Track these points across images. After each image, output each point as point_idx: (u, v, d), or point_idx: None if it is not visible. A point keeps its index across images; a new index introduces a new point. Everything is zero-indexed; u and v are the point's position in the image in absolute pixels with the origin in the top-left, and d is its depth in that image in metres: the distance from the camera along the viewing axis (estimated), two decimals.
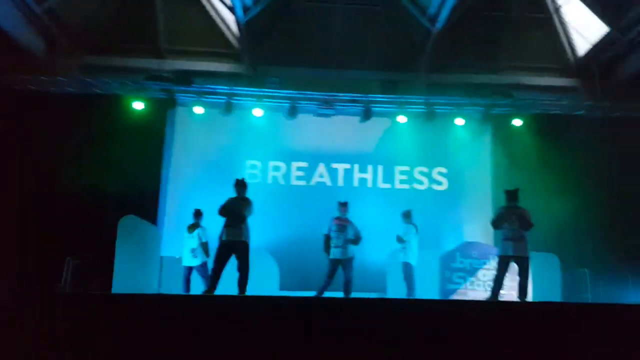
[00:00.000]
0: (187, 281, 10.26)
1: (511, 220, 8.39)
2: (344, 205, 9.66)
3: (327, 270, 9.38)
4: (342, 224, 9.45)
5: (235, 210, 8.28)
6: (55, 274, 10.43)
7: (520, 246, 8.29)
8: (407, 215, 10.25)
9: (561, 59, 14.11)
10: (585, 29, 13.19)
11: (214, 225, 8.69)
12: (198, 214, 10.47)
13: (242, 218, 8.23)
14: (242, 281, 8.07)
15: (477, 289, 11.30)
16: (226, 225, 8.28)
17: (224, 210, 8.32)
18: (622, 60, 13.07)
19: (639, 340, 5.12)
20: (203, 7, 13.73)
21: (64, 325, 4.94)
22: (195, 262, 10.18)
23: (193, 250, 10.19)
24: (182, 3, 13.68)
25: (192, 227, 10.35)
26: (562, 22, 13.70)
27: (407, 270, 9.91)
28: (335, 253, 9.31)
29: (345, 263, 9.29)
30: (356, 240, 9.45)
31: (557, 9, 13.51)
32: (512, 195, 8.58)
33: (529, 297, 9.03)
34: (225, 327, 4.98)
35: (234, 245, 8.16)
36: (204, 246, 10.18)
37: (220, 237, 8.27)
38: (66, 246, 10.85)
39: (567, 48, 13.97)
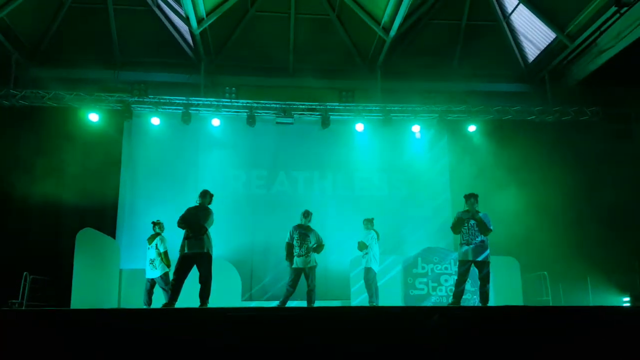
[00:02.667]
0: (149, 293, 10.07)
1: (470, 224, 8.39)
2: (307, 214, 9.52)
3: (289, 279, 9.28)
4: (304, 232, 9.35)
5: (195, 222, 8.05)
6: (10, 289, 10.14)
7: (479, 250, 8.27)
8: (368, 222, 10.23)
9: (512, 66, 14.50)
10: (534, 36, 13.59)
11: (175, 236, 8.50)
12: (157, 224, 10.27)
13: (203, 229, 8.01)
14: (204, 293, 7.91)
15: (439, 294, 11.49)
16: (187, 238, 8.03)
17: (184, 222, 8.09)
18: (571, 66, 13.49)
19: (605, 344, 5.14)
20: (157, 17, 13.60)
21: (19, 343, 4.80)
22: (155, 273, 9.98)
23: (152, 262, 10.00)
24: (136, 14, 13.51)
25: (151, 238, 10.16)
26: (511, 30, 14.09)
27: (369, 276, 9.90)
28: (297, 262, 9.19)
29: (308, 271, 9.18)
30: (318, 247, 9.35)
31: (506, 17, 13.89)
32: (471, 200, 8.55)
33: (491, 302, 9.00)
34: (187, 341, 4.90)
35: (196, 257, 7.96)
36: (163, 256, 9.98)
37: (182, 250, 8.01)
38: (22, 260, 10.59)
39: (518, 54, 14.38)
